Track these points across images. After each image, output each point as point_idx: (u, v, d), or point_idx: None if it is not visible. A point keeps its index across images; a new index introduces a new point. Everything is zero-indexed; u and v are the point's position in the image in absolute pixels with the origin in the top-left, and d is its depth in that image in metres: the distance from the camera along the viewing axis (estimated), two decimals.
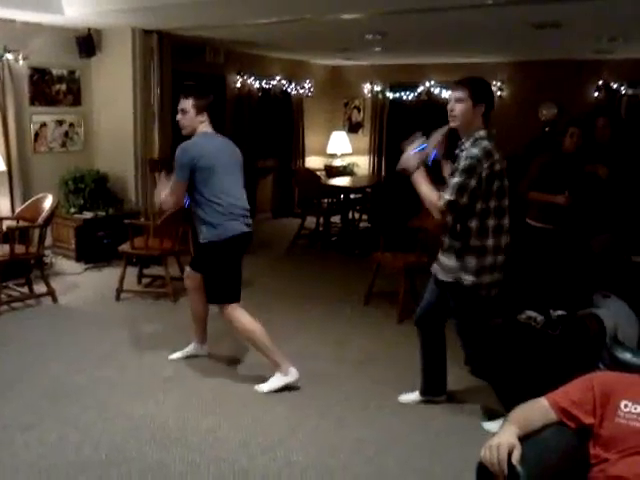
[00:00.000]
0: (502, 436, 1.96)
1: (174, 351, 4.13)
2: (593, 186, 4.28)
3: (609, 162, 4.25)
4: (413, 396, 3.62)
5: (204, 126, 3.68)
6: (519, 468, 1.88)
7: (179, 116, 3.69)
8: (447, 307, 3.26)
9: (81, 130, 6.74)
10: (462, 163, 2.95)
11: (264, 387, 3.69)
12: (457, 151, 3.11)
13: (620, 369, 2.31)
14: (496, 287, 3.12)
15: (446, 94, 9.07)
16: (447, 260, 3.13)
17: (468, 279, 3.05)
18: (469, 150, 2.97)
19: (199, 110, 3.64)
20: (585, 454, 2.03)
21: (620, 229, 4.38)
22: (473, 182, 2.91)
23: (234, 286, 3.68)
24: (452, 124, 3.09)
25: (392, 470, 2.94)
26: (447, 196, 2.95)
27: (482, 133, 3.03)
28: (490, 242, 3.03)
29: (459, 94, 3.03)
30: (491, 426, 3.23)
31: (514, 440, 1.93)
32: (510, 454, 1.89)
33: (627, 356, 2.38)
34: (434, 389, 3.59)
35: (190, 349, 4.12)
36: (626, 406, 2.03)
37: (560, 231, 4.45)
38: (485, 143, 2.98)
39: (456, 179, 2.94)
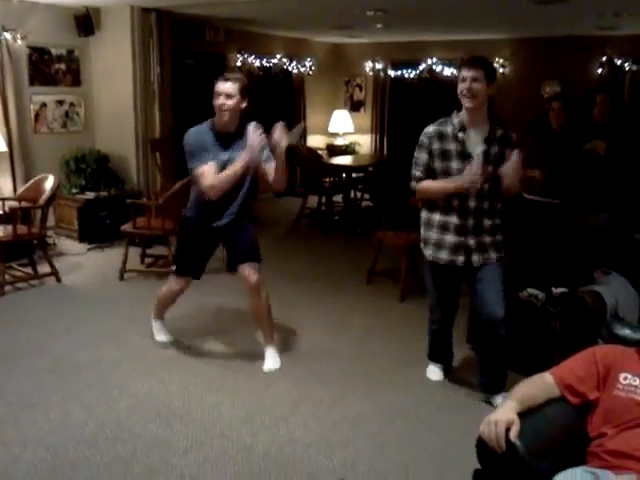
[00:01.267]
0: (501, 412, 1.98)
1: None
2: (592, 163, 4.27)
3: (607, 138, 4.24)
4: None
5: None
6: (518, 443, 1.90)
7: (222, 100, 3.40)
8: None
9: (81, 110, 6.72)
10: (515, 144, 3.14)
11: (271, 364, 3.74)
12: (482, 135, 3.11)
13: (619, 344, 2.32)
14: None
15: (448, 71, 9.01)
16: (494, 238, 3.23)
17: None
18: (512, 135, 3.17)
19: (243, 95, 3.45)
20: (584, 429, 2.05)
21: (619, 206, 4.38)
22: None
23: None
24: (469, 104, 3.06)
25: (393, 445, 2.98)
26: None
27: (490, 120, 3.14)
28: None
29: (476, 74, 3.02)
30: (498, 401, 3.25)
31: (513, 415, 1.95)
32: (509, 429, 1.91)
33: (626, 332, 2.38)
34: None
35: (162, 325, 4.11)
36: (625, 378, 2.05)
37: (556, 205, 4.48)
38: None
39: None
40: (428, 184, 3.21)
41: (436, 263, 3.30)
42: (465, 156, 3.10)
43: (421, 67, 9.31)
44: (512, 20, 6.78)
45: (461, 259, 3.21)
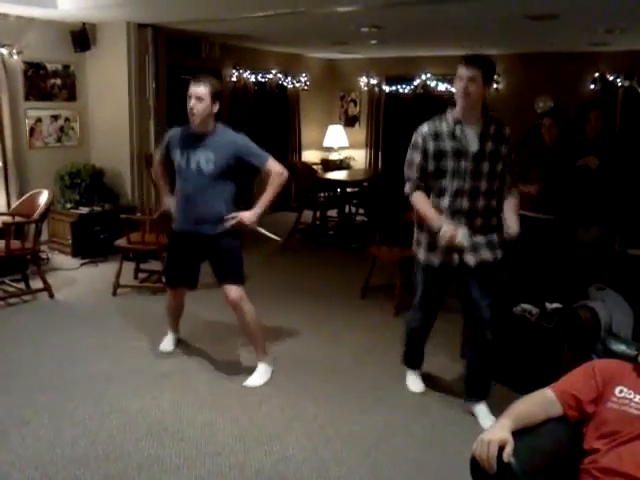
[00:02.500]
0: (495, 431, 1.96)
1: (169, 347, 4.15)
2: (584, 178, 4.29)
3: (599, 153, 4.26)
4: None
5: (213, 118, 3.51)
6: (512, 462, 1.88)
7: (193, 103, 3.40)
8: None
9: (76, 125, 6.72)
10: (509, 142, 3.13)
11: (255, 381, 3.71)
12: (473, 132, 3.07)
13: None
14: None
15: (442, 87, 9.07)
16: (488, 238, 3.18)
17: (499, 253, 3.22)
18: (504, 126, 3.15)
19: (214, 98, 3.45)
20: (580, 446, 2.04)
21: (610, 222, 4.38)
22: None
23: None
24: (463, 103, 3.04)
25: (387, 462, 2.96)
26: (516, 173, 3.23)
27: (484, 117, 3.12)
28: None
29: (472, 73, 2.98)
30: (487, 423, 3.23)
31: (506, 435, 1.92)
32: (502, 449, 1.89)
33: (621, 348, 2.38)
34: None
35: (173, 337, 4.18)
36: (621, 391, 2.04)
37: (550, 221, 4.49)
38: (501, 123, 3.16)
39: (514, 155, 3.15)
40: (419, 203, 3.19)
41: (429, 266, 3.27)
42: (460, 154, 3.06)
43: (415, 82, 9.36)
44: (506, 36, 6.84)
45: (455, 259, 3.16)
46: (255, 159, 3.55)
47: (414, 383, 3.72)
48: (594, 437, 2.00)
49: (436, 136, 3.11)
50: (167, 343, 4.15)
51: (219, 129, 3.56)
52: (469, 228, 3.10)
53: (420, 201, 3.20)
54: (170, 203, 3.80)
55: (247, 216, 3.57)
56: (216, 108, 3.48)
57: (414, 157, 3.19)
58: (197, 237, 3.63)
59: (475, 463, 1.95)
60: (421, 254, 3.30)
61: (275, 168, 3.58)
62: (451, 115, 3.12)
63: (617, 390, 2.05)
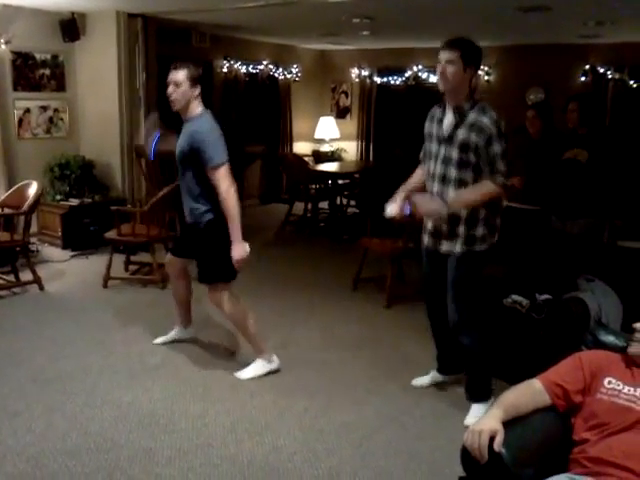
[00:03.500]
0: (485, 421, 1.98)
1: (162, 339, 4.13)
2: (573, 171, 4.30)
3: (588, 146, 4.28)
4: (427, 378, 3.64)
5: (199, 102, 3.46)
6: (503, 451, 1.90)
7: (170, 89, 3.39)
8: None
9: (66, 116, 6.67)
10: (493, 130, 2.91)
11: (247, 373, 3.70)
12: (451, 118, 3.01)
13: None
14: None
15: (434, 78, 9.05)
16: (468, 230, 3.06)
17: (483, 246, 3.10)
18: (487, 115, 2.94)
19: (193, 82, 3.40)
20: (569, 436, 2.06)
21: (598, 214, 4.39)
22: (505, 144, 2.95)
23: (231, 264, 3.50)
24: (441, 87, 3.01)
25: (379, 453, 2.97)
26: (502, 168, 2.94)
27: (484, 102, 3.04)
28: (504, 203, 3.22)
29: (450, 55, 2.94)
30: (471, 422, 3.23)
31: (497, 425, 1.94)
32: (493, 439, 1.91)
33: (610, 338, 2.40)
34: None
35: (174, 333, 4.13)
36: (610, 383, 2.06)
37: (536, 211, 4.52)
38: (487, 104, 3.02)
39: (497, 147, 2.91)
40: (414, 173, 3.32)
41: (422, 249, 3.31)
42: (439, 138, 3.08)
43: (407, 74, 9.35)
44: (497, 28, 6.83)
45: (431, 244, 3.19)
46: (206, 158, 3.34)
47: (420, 378, 3.65)
48: (584, 428, 2.02)
49: (430, 119, 3.18)
50: (171, 336, 4.14)
51: (198, 117, 3.46)
52: (452, 215, 3.05)
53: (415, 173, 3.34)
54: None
55: (236, 254, 3.40)
56: (197, 92, 3.44)
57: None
58: (187, 225, 3.63)
59: (466, 453, 1.96)
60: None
61: (221, 184, 3.34)
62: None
63: (606, 381, 2.07)
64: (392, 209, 3.18)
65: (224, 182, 3.34)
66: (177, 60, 3.55)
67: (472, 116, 2.97)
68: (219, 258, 3.47)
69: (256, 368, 3.71)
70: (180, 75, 3.39)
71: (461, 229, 3.06)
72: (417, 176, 3.34)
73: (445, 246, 3.13)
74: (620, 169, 4.43)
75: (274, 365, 3.74)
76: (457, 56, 2.93)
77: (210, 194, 3.41)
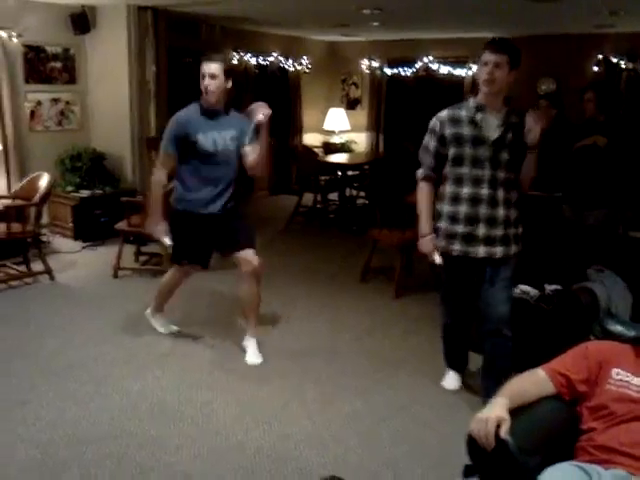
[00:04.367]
0: (492, 409, 1.98)
1: (170, 327, 4.16)
2: (592, 158, 4.27)
3: (607, 134, 4.25)
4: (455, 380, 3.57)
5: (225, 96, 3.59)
6: (509, 439, 1.90)
7: (207, 81, 3.47)
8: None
9: (77, 108, 6.70)
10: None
11: (255, 357, 3.78)
12: (495, 120, 2.98)
13: (611, 341, 2.32)
14: None
15: (444, 69, 9.02)
16: (507, 230, 3.08)
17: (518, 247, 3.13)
18: (526, 120, 3.00)
19: (227, 75, 3.53)
20: (575, 424, 2.06)
21: (617, 204, 4.38)
22: None
23: None
24: (487, 90, 2.94)
25: (386, 442, 2.98)
26: None
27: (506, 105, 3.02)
28: None
29: (499, 59, 2.88)
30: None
31: (503, 413, 1.94)
32: (499, 427, 1.91)
33: (618, 328, 2.39)
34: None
35: (164, 319, 4.17)
36: (618, 374, 2.05)
37: (549, 198, 4.50)
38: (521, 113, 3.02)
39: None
40: (421, 195, 3.21)
41: (447, 254, 3.15)
42: (479, 141, 2.98)
43: (417, 65, 9.30)
44: (509, 18, 6.78)
45: (470, 250, 3.08)
46: (250, 140, 3.61)
47: (448, 380, 3.55)
48: (591, 418, 2.02)
49: (454, 122, 3.02)
50: (165, 325, 4.15)
51: (228, 108, 3.65)
52: (490, 218, 3.03)
53: (423, 194, 3.19)
54: (161, 227, 3.65)
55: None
56: (229, 84, 3.56)
57: (429, 142, 3.13)
58: (209, 217, 3.64)
59: (472, 441, 1.96)
60: (439, 240, 3.15)
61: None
62: (473, 101, 3.03)
63: (614, 372, 2.06)
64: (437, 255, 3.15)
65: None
66: (202, 54, 3.71)
67: (515, 117, 2.99)
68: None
69: (256, 349, 3.82)
70: (217, 68, 3.49)
71: (511, 230, 3.09)
72: (430, 197, 3.21)
73: (502, 250, 3.08)
74: (637, 156, 4.40)
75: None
76: (505, 60, 2.90)
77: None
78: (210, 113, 3.57)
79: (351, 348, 4.06)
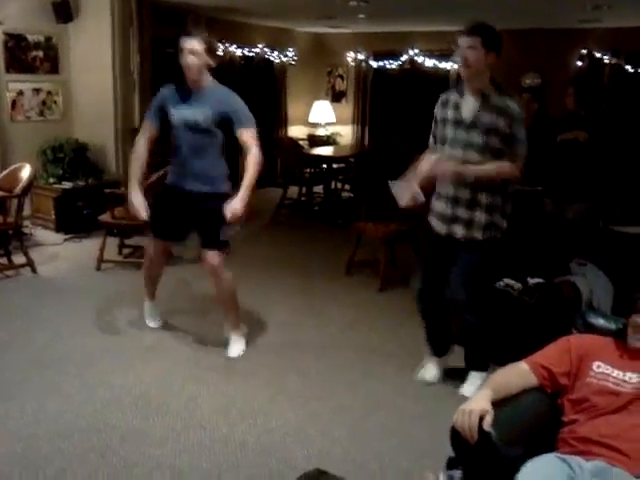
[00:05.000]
0: (475, 401, 2.00)
1: (155, 320, 4.14)
2: (572, 152, 4.31)
3: (588, 128, 4.28)
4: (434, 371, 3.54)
5: (208, 74, 3.52)
6: (492, 431, 1.92)
7: (189, 58, 3.39)
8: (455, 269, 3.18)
9: (59, 98, 6.61)
10: (516, 114, 2.96)
11: (235, 350, 3.76)
12: (473, 103, 3.01)
13: (593, 334, 2.35)
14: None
15: (429, 62, 9.03)
16: (484, 215, 3.08)
17: (504, 226, 3.12)
18: (510, 100, 3.00)
19: (210, 53, 3.45)
20: (558, 416, 2.08)
21: (597, 198, 4.42)
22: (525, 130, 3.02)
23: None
24: (463, 73, 3.02)
25: (371, 435, 2.99)
26: (523, 151, 3.01)
27: (494, 89, 3.03)
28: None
29: (472, 41, 2.94)
30: (467, 390, 3.29)
31: (486, 405, 1.96)
32: (483, 419, 1.93)
33: (600, 321, 2.42)
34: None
35: (156, 310, 4.13)
36: (599, 367, 2.08)
37: (533, 193, 4.53)
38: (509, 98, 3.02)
39: (522, 132, 2.98)
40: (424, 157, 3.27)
41: (430, 230, 3.26)
42: (458, 123, 3.05)
43: (403, 58, 9.30)
44: (495, 12, 6.78)
45: (438, 228, 3.18)
46: (239, 124, 3.48)
47: (426, 371, 3.53)
48: (573, 410, 2.05)
49: (444, 104, 3.16)
50: (152, 318, 4.11)
51: (214, 85, 3.56)
52: (454, 198, 3.10)
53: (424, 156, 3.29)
54: (137, 199, 3.57)
55: (237, 207, 3.48)
56: (213, 63, 3.50)
57: (433, 122, 3.25)
58: (188, 195, 3.60)
59: (456, 433, 1.98)
60: (429, 218, 3.27)
61: (252, 149, 3.52)
62: (460, 85, 3.13)
63: (595, 365, 2.09)
64: (405, 197, 3.11)
65: (255, 144, 3.52)
66: (185, 28, 3.62)
67: (496, 100, 3.00)
68: (224, 224, 3.56)
69: (239, 342, 3.80)
70: (197, 44, 3.41)
71: (482, 216, 3.08)
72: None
73: (464, 232, 3.11)
74: (618, 151, 4.44)
75: (245, 331, 3.90)
76: (479, 42, 2.94)
77: (223, 164, 3.60)
78: (188, 89, 3.52)
79: (336, 341, 4.07)
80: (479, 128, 3.01)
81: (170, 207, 3.70)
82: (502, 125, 2.97)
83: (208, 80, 3.53)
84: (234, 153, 3.80)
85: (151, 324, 4.10)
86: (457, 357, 3.61)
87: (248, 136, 3.50)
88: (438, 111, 3.18)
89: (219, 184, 3.61)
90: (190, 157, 3.56)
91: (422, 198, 3.10)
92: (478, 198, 3.07)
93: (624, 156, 4.72)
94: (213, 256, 3.62)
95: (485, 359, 3.36)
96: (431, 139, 3.28)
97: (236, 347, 3.78)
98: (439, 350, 3.53)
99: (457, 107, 3.08)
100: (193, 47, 3.39)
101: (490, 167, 3.01)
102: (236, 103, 3.52)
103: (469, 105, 3.04)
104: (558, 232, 4.16)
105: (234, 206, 3.45)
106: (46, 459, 2.69)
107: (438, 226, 3.20)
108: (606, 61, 7.80)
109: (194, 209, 3.61)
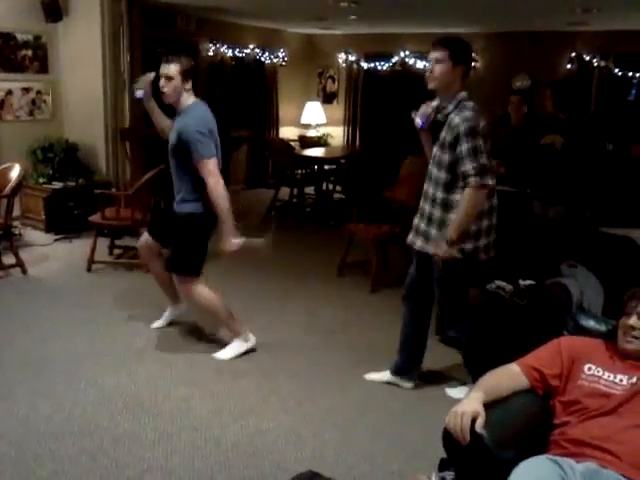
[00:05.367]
0: (467, 403, 2.00)
1: (146, 321, 4.12)
2: (549, 157, 4.33)
3: (564, 132, 4.30)
4: (381, 375, 3.55)
5: (190, 94, 3.50)
6: (484, 433, 1.93)
7: (162, 83, 3.43)
8: (432, 277, 3.16)
9: (49, 98, 6.58)
10: (461, 128, 2.84)
11: (226, 354, 3.74)
12: (439, 116, 3.02)
13: (584, 335, 2.36)
14: (491, 250, 3.11)
15: (420, 64, 9.05)
16: (428, 228, 3.07)
17: (468, 246, 2.98)
18: (460, 114, 2.89)
19: (185, 76, 3.44)
20: (549, 418, 2.09)
21: (577, 201, 4.41)
22: (481, 142, 2.85)
23: (201, 260, 3.66)
24: (430, 85, 2.99)
25: (363, 437, 3.00)
26: (468, 167, 2.82)
27: (464, 94, 2.96)
28: (487, 204, 2.99)
29: (438, 54, 2.92)
30: (454, 393, 3.30)
31: (478, 407, 1.97)
32: (475, 420, 1.94)
33: (590, 323, 2.43)
34: (408, 369, 3.48)
35: (169, 314, 4.14)
36: (590, 369, 2.10)
37: (521, 195, 4.56)
38: (471, 104, 2.94)
39: (465, 146, 2.83)
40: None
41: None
42: (434, 138, 3.07)
43: (394, 60, 9.32)
44: (485, 14, 6.83)
45: (409, 239, 3.20)
46: (195, 155, 3.40)
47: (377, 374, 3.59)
48: (565, 412, 2.06)
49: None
50: (166, 316, 4.15)
51: (189, 108, 3.50)
52: (421, 209, 3.15)
53: None
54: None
55: (228, 244, 3.52)
56: (188, 86, 3.48)
57: None
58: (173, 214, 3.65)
59: (448, 435, 1.99)
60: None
61: (208, 182, 3.41)
62: None
63: (586, 368, 2.11)
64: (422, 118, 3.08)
65: (212, 177, 3.41)
66: (168, 52, 3.58)
67: (451, 116, 2.96)
68: (191, 251, 3.59)
69: (234, 348, 3.76)
70: (172, 69, 3.41)
71: (432, 229, 3.05)
72: None
73: (421, 244, 3.12)
74: (596, 156, 4.44)
75: (251, 344, 3.80)
76: (446, 55, 2.92)
77: (197, 187, 3.48)
78: (173, 112, 3.58)
79: (328, 342, 4.07)
80: (440, 141, 3.01)
81: (168, 215, 3.75)
82: (450, 141, 2.91)
83: (189, 101, 3.51)
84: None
85: (154, 324, 4.11)
86: (448, 359, 3.63)
87: (201, 168, 3.42)
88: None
89: (183, 204, 3.56)
90: (172, 176, 3.62)
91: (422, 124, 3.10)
92: (434, 213, 3.05)
93: (601, 162, 4.70)
94: (180, 281, 3.68)
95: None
96: None
97: (228, 351, 3.76)
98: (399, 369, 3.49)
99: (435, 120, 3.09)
100: (168, 72, 3.42)
101: (459, 216, 2.91)
102: (194, 133, 3.38)
103: (441, 119, 3.04)
104: (544, 234, 4.19)
105: (226, 245, 3.51)
106: (37, 461, 2.68)
107: (410, 235, 3.24)
108: (595, 64, 7.86)
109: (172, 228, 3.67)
